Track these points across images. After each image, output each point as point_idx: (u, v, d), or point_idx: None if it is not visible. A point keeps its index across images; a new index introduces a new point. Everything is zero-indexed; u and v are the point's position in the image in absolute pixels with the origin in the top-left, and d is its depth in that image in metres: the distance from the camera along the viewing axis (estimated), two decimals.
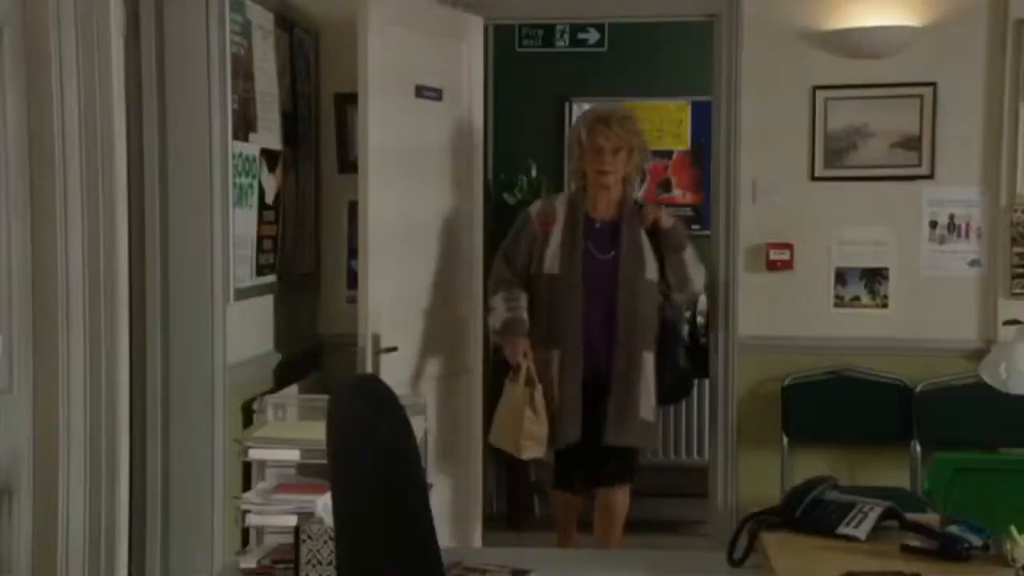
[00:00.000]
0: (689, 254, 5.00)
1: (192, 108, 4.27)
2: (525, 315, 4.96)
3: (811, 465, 5.24)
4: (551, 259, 4.93)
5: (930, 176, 5.43)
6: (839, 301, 5.52)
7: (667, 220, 4.99)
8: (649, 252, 4.94)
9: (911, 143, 5.43)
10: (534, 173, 7.10)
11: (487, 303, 5.12)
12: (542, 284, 4.96)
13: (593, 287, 4.89)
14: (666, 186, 7.59)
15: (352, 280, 5.26)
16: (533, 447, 4.86)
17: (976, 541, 2.60)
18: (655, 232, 4.95)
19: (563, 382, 4.90)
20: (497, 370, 6.44)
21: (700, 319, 6.85)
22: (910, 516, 2.79)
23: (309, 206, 5.46)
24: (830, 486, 2.90)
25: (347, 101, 5.31)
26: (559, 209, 5.01)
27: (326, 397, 2.70)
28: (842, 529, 2.70)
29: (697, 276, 5.06)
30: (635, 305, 4.90)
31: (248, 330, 4.68)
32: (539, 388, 4.84)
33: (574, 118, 7.88)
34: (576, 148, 5.00)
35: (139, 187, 4.20)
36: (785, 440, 5.48)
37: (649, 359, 4.95)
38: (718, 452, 5.64)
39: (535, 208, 5.13)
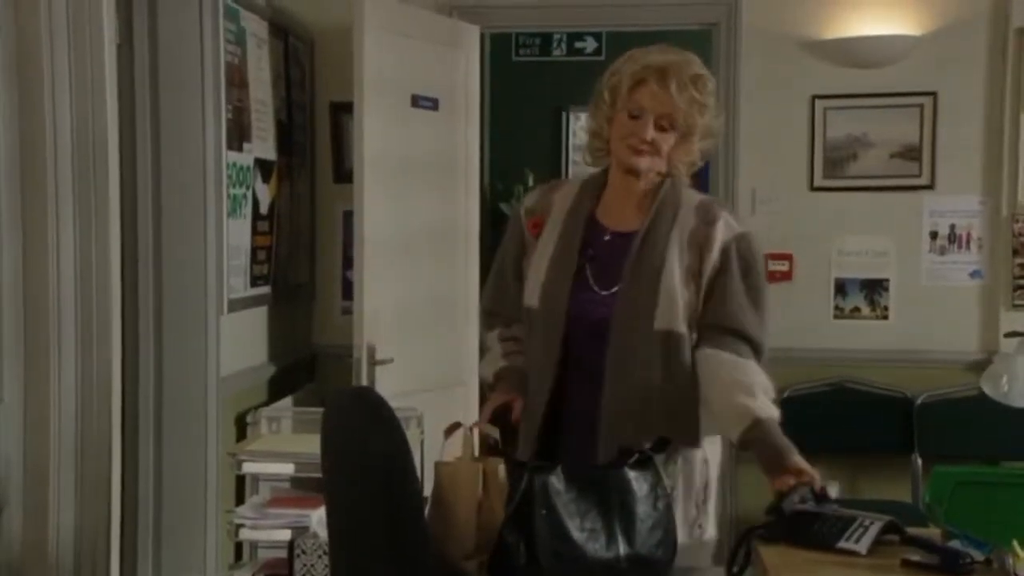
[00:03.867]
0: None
1: (186, 117, 4.25)
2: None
3: None
4: (532, 283, 2.98)
5: (930, 186, 5.41)
6: (839, 312, 5.49)
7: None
8: (679, 287, 2.86)
9: (911, 153, 5.40)
10: (531, 183, 7.10)
11: (482, 340, 3.25)
12: (524, 319, 3.06)
13: (583, 338, 2.91)
14: None
15: (347, 291, 5.25)
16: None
17: (978, 555, 2.56)
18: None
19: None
20: None
21: None
22: (911, 530, 2.75)
23: (304, 216, 5.43)
24: (805, 494, 2.83)
25: (342, 110, 5.29)
26: (558, 203, 3.03)
27: (321, 410, 2.68)
28: (842, 543, 2.65)
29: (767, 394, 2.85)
30: (630, 369, 2.87)
31: (242, 341, 4.65)
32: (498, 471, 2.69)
33: (571, 127, 7.86)
34: (605, 100, 2.98)
35: (132, 197, 4.18)
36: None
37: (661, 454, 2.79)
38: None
39: (528, 200, 3.14)
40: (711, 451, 3.05)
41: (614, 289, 2.89)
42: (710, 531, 3.00)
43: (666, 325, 2.85)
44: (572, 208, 3.01)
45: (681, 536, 2.83)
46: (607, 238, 2.95)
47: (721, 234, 2.89)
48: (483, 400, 3.20)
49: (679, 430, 2.89)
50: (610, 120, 2.94)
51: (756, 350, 2.88)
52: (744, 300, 2.88)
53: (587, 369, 2.90)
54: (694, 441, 2.94)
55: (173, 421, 4.27)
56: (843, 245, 5.46)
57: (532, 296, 2.98)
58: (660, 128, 2.87)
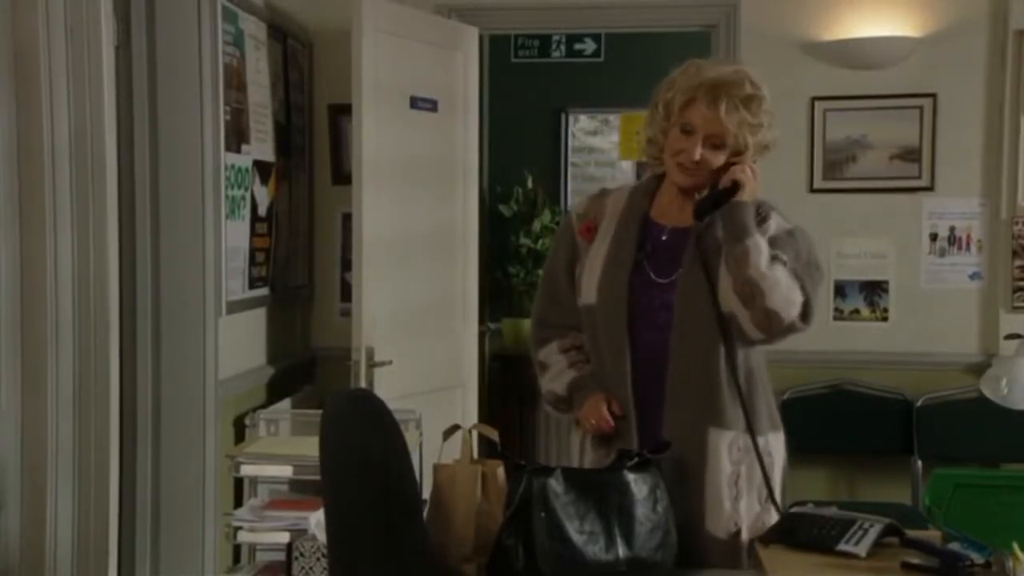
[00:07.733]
0: (759, 247, 2.84)
1: (184, 119, 4.24)
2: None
3: (810, 480, 5.20)
4: (588, 282, 3.02)
5: (930, 188, 5.40)
6: (838, 314, 5.47)
7: (745, 186, 2.86)
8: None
9: (911, 154, 5.39)
10: (530, 184, 7.08)
11: (535, 357, 3.19)
12: (584, 320, 3.08)
13: (646, 327, 2.96)
14: None
15: (345, 293, 5.24)
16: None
17: (978, 558, 2.56)
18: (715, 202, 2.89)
19: None
20: (494, 384, 6.38)
21: None
22: (911, 533, 2.74)
23: (302, 218, 5.42)
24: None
25: (341, 112, 5.28)
26: (610, 208, 3.08)
27: (319, 412, 2.67)
28: (842, 546, 2.65)
29: (777, 288, 2.84)
30: (693, 352, 2.93)
31: (240, 343, 4.64)
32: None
33: (571, 129, 7.86)
34: (659, 113, 2.96)
35: (130, 199, 4.17)
36: (784, 455, 5.42)
37: (722, 441, 2.95)
38: None
39: (578, 206, 3.20)
40: (775, 446, 3.10)
41: (673, 276, 2.93)
42: None
43: (727, 308, 2.87)
44: (625, 209, 3.05)
45: (745, 533, 2.91)
46: (664, 237, 2.99)
47: (773, 227, 2.92)
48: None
49: (739, 413, 2.94)
50: (664, 132, 2.96)
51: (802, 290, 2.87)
52: (799, 265, 2.89)
53: (651, 355, 2.95)
54: (754, 427, 2.96)
55: (171, 423, 4.26)
56: (842, 247, 5.45)
57: (589, 294, 3.01)
58: (711, 146, 2.88)
